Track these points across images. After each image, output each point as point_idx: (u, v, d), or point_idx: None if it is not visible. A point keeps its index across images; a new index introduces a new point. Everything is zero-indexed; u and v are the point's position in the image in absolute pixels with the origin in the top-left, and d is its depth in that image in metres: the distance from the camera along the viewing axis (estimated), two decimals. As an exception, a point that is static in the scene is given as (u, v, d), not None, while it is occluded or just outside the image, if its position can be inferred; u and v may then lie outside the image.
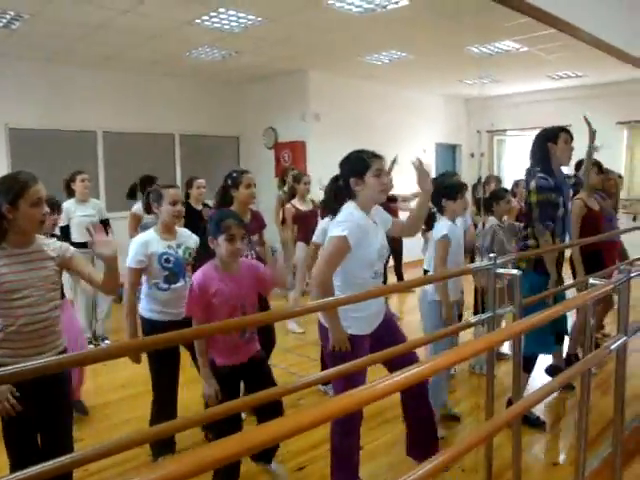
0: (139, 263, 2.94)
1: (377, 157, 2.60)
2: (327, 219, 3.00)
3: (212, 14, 5.29)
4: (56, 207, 3.71)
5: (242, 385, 2.81)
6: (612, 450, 2.22)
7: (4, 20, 5.31)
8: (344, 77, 8.34)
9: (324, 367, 3.73)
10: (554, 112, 9.81)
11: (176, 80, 8.15)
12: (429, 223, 3.58)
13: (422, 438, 2.87)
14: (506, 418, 1.62)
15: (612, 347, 1.96)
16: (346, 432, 2.61)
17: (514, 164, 10.72)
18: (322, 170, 7.79)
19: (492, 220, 4.38)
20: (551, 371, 4.09)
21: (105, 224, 4.39)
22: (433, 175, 9.92)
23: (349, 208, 2.56)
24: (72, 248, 2.39)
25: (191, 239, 3.17)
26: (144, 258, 2.94)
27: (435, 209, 3.54)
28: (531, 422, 3.42)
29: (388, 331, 2.74)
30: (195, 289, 2.55)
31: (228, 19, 5.45)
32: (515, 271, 2.45)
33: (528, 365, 3.32)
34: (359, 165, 2.58)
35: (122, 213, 5.98)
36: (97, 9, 5.04)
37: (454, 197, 3.43)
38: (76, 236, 4.98)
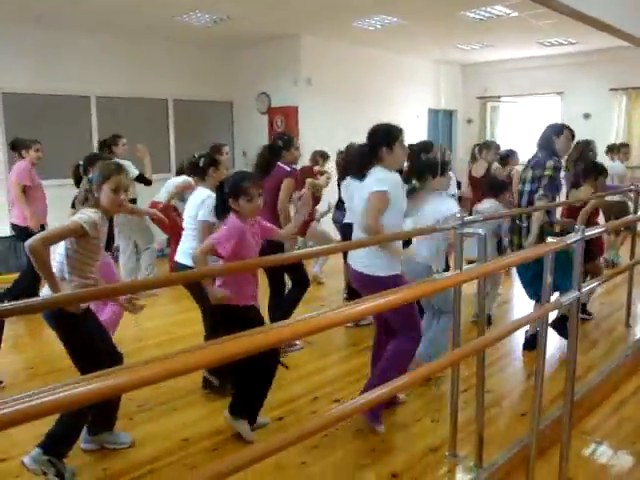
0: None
1: (402, 131, 3.05)
2: (350, 180, 3.25)
3: (201, -22, 5.31)
4: None
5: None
6: (563, 404, 2.37)
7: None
8: (337, 42, 8.33)
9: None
10: (547, 79, 9.85)
11: (169, 45, 8.15)
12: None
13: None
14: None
15: (563, 300, 2.11)
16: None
17: (508, 131, 10.78)
18: (314, 134, 7.90)
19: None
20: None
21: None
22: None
23: (382, 171, 2.94)
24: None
25: None
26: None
27: (417, 183, 3.66)
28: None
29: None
30: (234, 232, 2.85)
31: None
32: (480, 230, 2.58)
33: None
34: (391, 135, 2.99)
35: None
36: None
37: (435, 174, 3.60)
38: None
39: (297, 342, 4.21)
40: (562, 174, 4.27)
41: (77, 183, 3.94)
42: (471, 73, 10.90)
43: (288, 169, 4.24)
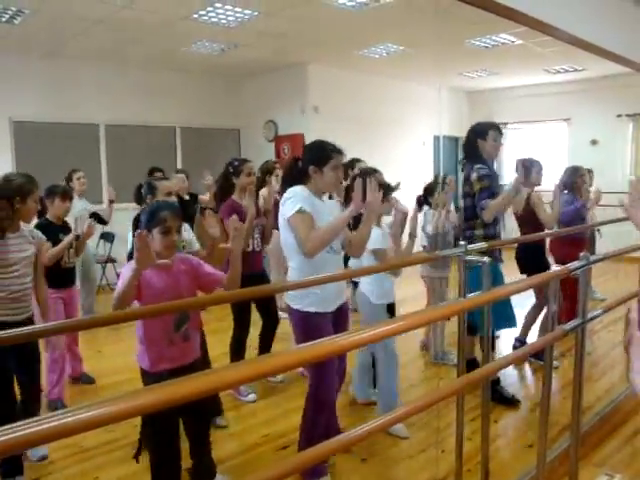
0: None
1: (339, 152, 2.72)
2: None
3: (209, 9, 5.41)
4: (69, 197, 3.92)
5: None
6: (571, 437, 2.32)
7: (6, 15, 5.45)
8: (343, 70, 8.43)
9: None
10: (554, 106, 9.88)
11: (177, 73, 8.27)
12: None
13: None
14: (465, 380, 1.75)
15: (567, 328, 2.07)
16: (320, 408, 2.73)
17: (515, 158, 10.77)
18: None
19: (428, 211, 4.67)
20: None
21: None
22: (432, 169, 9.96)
23: (295, 188, 2.68)
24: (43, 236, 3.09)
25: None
26: None
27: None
28: (506, 401, 3.62)
29: (344, 317, 2.89)
30: (131, 278, 2.22)
31: (225, 14, 5.56)
32: (486, 258, 2.56)
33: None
34: (321, 156, 2.70)
35: (123, 205, 6.12)
36: (97, 4, 5.16)
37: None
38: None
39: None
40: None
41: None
42: (477, 100, 10.97)
43: (231, 206, 3.74)
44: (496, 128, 3.73)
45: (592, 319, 2.26)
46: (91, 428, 0.89)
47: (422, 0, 5.24)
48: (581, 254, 2.25)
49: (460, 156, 10.74)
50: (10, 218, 2.80)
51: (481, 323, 2.27)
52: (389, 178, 3.67)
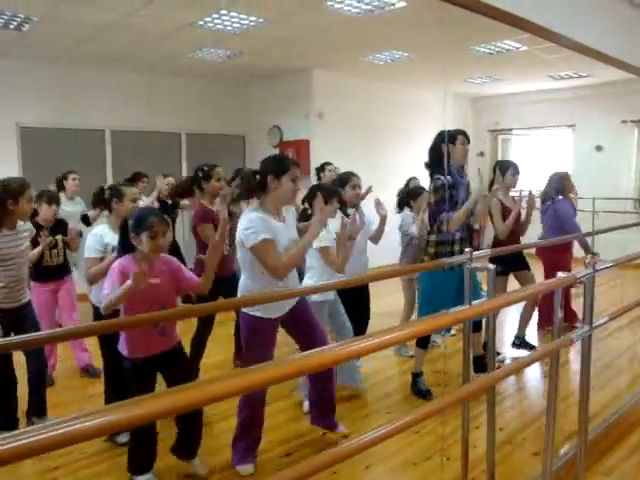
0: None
1: (297, 165, 2.88)
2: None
3: (214, 16, 5.43)
4: (55, 201, 4.23)
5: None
6: (577, 445, 2.31)
7: (15, 22, 5.48)
8: (348, 76, 8.44)
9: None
10: (558, 112, 9.87)
11: (182, 79, 8.30)
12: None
13: (324, 412, 3.27)
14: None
15: (573, 337, 2.06)
16: (253, 404, 2.95)
17: (520, 164, 10.74)
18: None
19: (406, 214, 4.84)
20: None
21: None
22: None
23: (250, 216, 2.76)
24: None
25: None
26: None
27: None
28: (420, 393, 3.86)
29: (302, 314, 3.05)
30: (117, 273, 2.60)
31: (230, 21, 5.58)
32: (491, 266, 2.56)
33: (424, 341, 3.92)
34: (280, 165, 2.82)
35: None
36: (104, 12, 5.19)
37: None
38: None
39: None
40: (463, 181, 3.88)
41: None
42: (482, 106, 10.96)
43: (202, 211, 3.87)
44: (464, 134, 3.79)
45: (598, 327, 2.25)
46: (96, 436, 0.89)
47: (427, 7, 5.25)
48: (586, 261, 2.25)
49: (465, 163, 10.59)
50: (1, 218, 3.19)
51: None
52: (394, 183, 3.69)
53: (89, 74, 7.46)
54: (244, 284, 2.93)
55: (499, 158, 10.89)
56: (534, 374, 4.43)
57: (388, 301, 5.34)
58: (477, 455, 2.82)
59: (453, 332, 5.16)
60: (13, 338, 1.67)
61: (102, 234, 3.28)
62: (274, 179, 2.78)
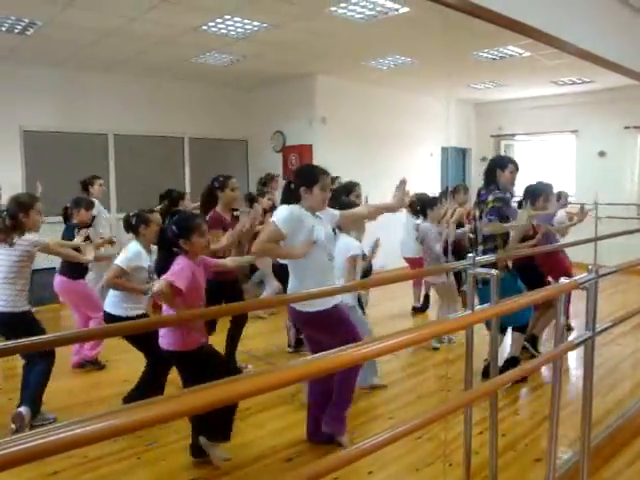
0: None
1: (325, 173, 3.10)
2: None
3: (218, 21, 5.45)
4: (92, 206, 4.81)
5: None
6: (580, 451, 2.29)
7: (19, 27, 5.51)
8: (351, 81, 8.45)
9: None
10: (561, 117, 9.87)
11: (186, 84, 8.33)
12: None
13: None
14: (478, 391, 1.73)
15: (575, 342, 2.06)
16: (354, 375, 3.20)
17: (522, 169, 10.75)
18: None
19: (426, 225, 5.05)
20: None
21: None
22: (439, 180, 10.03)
23: (290, 206, 3.04)
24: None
25: None
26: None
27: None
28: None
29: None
30: (188, 270, 2.90)
31: (234, 25, 5.60)
32: (494, 271, 2.55)
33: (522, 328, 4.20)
34: (310, 177, 3.05)
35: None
36: (108, 16, 5.22)
37: None
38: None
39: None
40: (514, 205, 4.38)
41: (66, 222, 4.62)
42: (485, 111, 10.97)
43: (212, 219, 4.04)
44: (514, 163, 4.14)
45: (601, 332, 2.24)
46: (98, 440, 0.89)
47: (430, 12, 5.26)
48: (590, 266, 2.24)
49: (468, 168, 10.70)
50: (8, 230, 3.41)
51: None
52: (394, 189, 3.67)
53: (92, 78, 7.50)
54: (293, 285, 3.12)
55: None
56: (537, 380, 4.40)
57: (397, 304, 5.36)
58: (480, 461, 2.81)
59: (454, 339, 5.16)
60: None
61: (141, 253, 3.59)
62: (306, 190, 3.02)
